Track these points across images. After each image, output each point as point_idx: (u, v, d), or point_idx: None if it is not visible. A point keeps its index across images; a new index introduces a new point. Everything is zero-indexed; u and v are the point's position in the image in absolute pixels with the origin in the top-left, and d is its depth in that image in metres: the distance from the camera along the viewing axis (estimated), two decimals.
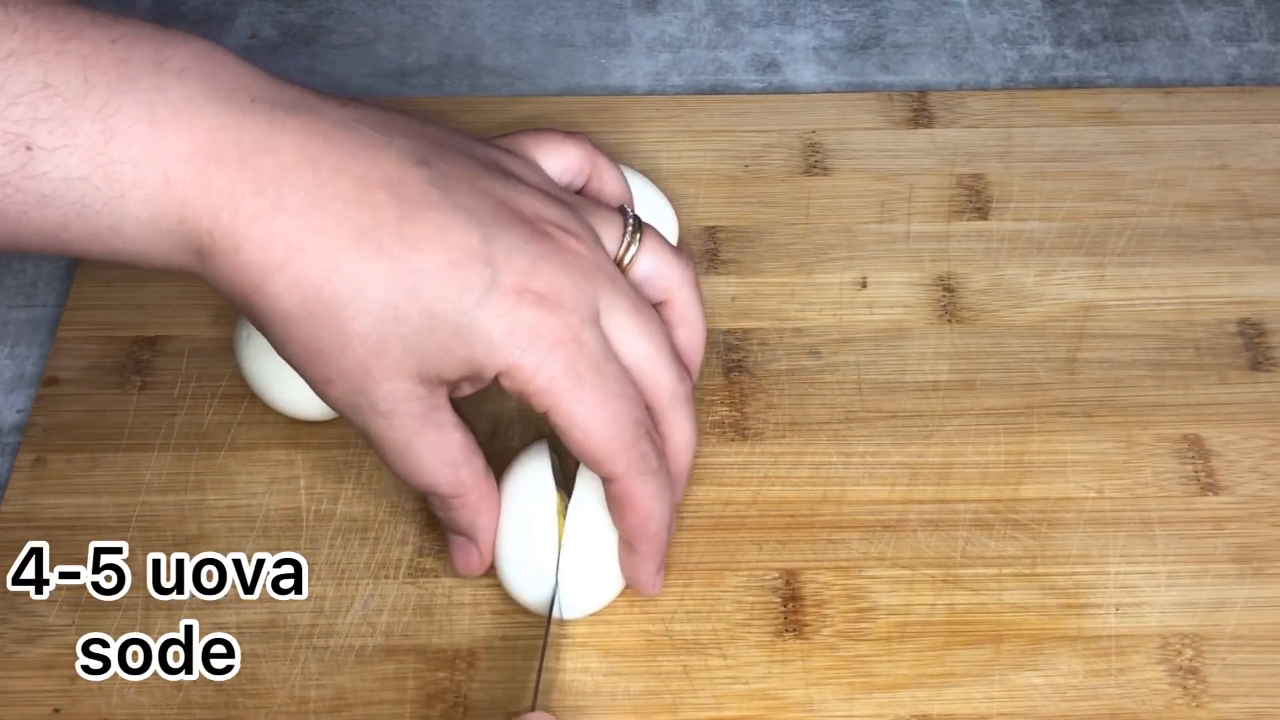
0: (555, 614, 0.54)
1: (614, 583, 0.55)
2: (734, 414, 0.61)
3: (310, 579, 0.56)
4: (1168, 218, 0.68)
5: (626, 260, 0.53)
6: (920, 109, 0.72)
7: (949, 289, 0.65)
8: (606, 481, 0.51)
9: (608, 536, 0.54)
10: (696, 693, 0.54)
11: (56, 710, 0.53)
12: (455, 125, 0.71)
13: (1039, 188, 0.69)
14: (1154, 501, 0.59)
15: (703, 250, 0.67)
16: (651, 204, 0.63)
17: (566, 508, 0.54)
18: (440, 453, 0.51)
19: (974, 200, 0.68)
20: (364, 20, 0.79)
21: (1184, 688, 0.54)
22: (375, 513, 0.58)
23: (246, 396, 0.61)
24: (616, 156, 0.70)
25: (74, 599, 0.56)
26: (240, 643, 0.55)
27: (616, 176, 0.58)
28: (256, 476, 0.59)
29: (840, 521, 0.58)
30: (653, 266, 0.54)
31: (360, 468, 0.60)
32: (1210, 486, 0.59)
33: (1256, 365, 0.63)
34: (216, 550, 0.57)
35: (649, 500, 0.52)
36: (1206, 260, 0.66)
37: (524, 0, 0.80)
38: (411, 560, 0.57)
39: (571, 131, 0.57)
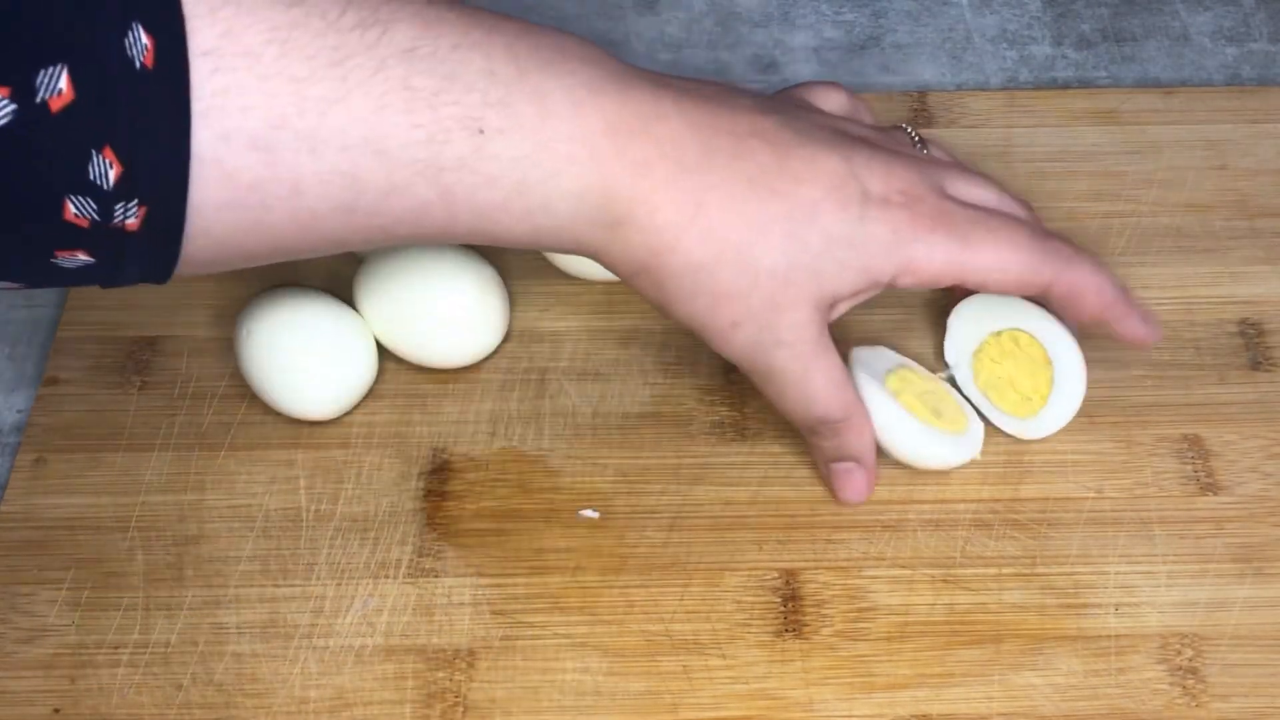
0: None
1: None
2: (734, 414, 0.61)
3: (310, 579, 0.56)
4: (1168, 218, 0.68)
5: None
6: (920, 109, 0.72)
7: (949, 289, 0.65)
8: (1045, 293, 0.56)
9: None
10: (696, 693, 0.54)
11: (56, 710, 0.53)
12: None
13: (1039, 188, 0.69)
14: (1154, 501, 0.59)
15: None
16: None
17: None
18: (832, 374, 0.55)
19: None
20: None
21: (1184, 688, 0.54)
22: (375, 513, 0.58)
23: (246, 396, 0.61)
24: None
25: (74, 599, 0.56)
26: (240, 643, 0.55)
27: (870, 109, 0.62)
28: (256, 476, 0.59)
29: (840, 521, 0.58)
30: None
31: (360, 468, 0.60)
32: (1210, 486, 0.59)
33: (1256, 365, 0.63)
34: (216, 550, 0.57)
35: (1090, 276, 0.56)
36: (1206, 260, 0.66)
37: (524, 1, 0.80)
38: (411, 560, 0.57)
39: (828, 80, 0.62)
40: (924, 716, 0.53)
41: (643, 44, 0.77)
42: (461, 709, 0.53)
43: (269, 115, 0.45)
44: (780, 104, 0.56)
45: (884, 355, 0.61)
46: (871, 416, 0.58)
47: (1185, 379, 0.62)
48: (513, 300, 0.64)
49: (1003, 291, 0.56)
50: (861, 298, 0.55)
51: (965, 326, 0.61)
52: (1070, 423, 0.61)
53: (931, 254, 0.54)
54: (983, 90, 0.74)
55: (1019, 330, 0.60)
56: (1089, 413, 0.61)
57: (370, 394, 0.62)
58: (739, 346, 0.54)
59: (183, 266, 0.47)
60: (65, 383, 0.62)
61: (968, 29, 0.78)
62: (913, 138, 0.60)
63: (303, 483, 0.59)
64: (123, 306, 0.65)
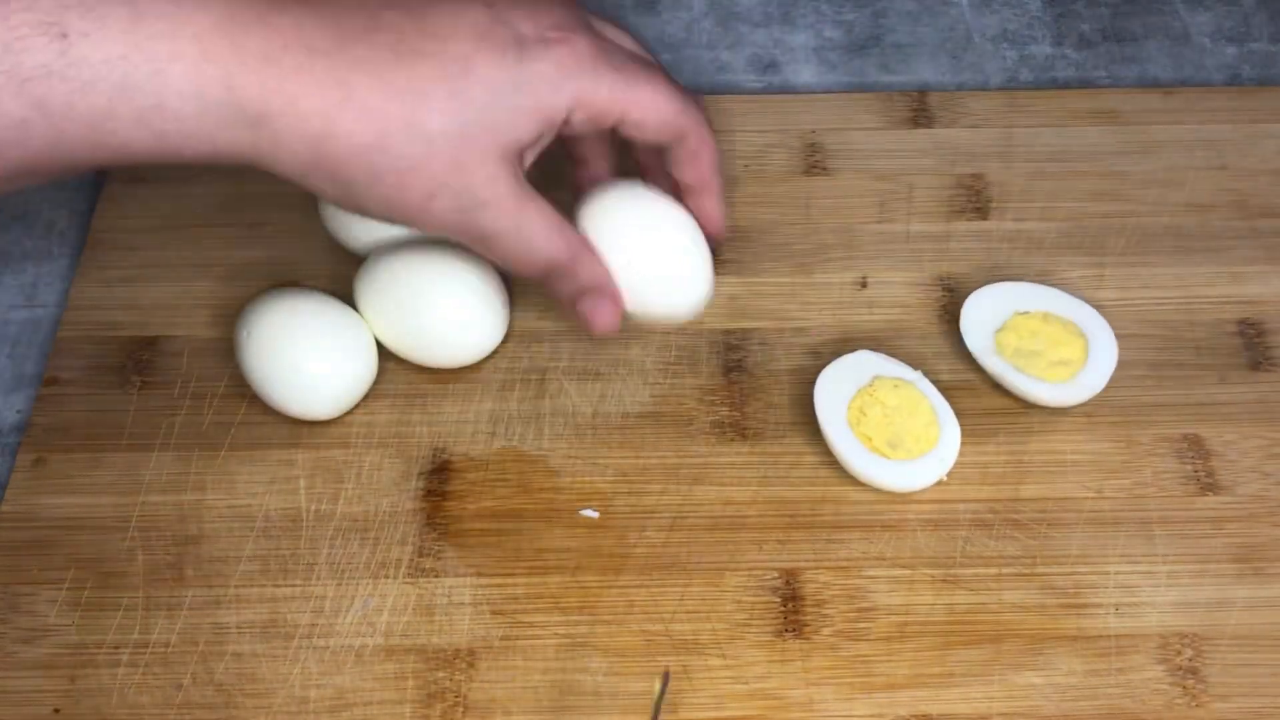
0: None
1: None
2: (734, 414, 0.61)
3: (310, 579, 0.56)
4: (1168, 218, 0.68)
5: None
6: (920, 109, 0.72)
7: (949, 289, 0.65)
8: (679, 143, 0.57)
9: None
10: (696, 693, 0.54)
11: (56, 710, 0.53)
12: None
13: (1039, 188, 0.69)
14: (1154, 501, 0.59)
15: None
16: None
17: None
18: (546, 219, 0.54)
19: (974, 200, 0.68)
20: None
21: (1184, 688, 0.54)
22: (375, 513, 0.58)
23: (246, 396, 0.61)
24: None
25: (74, 599, 0.56)
26: (240, 643, 0.55)
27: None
28: (256, 476, 0.59)
29: (840, 521, 0.58)
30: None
31: (360, 468, 0.60)
32: (1210, 486, 0.59)
33: (1256, 365, 0.63)
34: (216, 550, 0.57)
35: (712, 139, 0.58)
36: (1206, 260, 0.66)
37: None
38: (411, 560, 0.57)
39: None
40: (924, 716, 0.53)
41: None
42: (461, 709, 0.53)
43: None
44: None
45: (862, 363, 0.61)
46: (831, 443, 0.59)
47: (1185, 379, 0.62)
48: (513, 300, 0.64)
49: (651, 133, 0.56)
50: (545, 141, 0.54)
51: (986, 308, 0.62)
52: (1070, 422, 0.61)
53: (598, 87, 0.53)
54: (983, 90, 0.74)
55: (1047, 311, 0.61)
56: (1089, 413, 0.61)
57: (370, 394, 0.62)
58: (441, 218, 0.52)
59: None
60: (65, 383, 0.62)
61: (968, 29, 0.78)
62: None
63: (303, 483, 0.59)
64: (123, 306, 0.65)
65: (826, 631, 0.55)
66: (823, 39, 0.78)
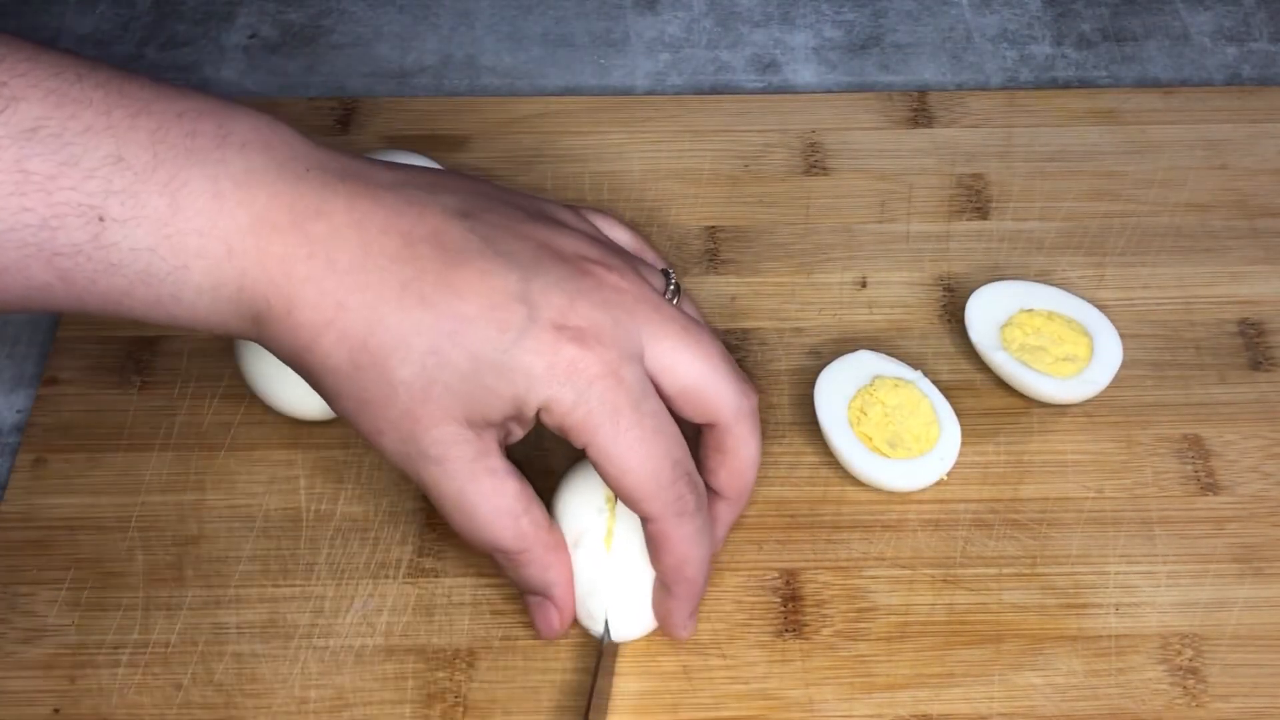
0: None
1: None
2: None
3: (310, 579, 0.56)
4: (1168, 218, 0.68)
5: None
6: (920, 109, 0.72)
7: (949, 289, 0.65)
8: (644, 521, 0.51)
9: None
10: (696, 693, 0.54)
11: (56, 710, 0.53)
12: (455, 129, 0.71)
13: (1039, 188, 0.69)
14: (1154, 501, 0.59)
15: (702, 250, 0.67)
16: None
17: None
18: (496, 501, 0.50)
19: (974, 200, 0.68)
20: (364, 20, 0.79)
21: (1184, 688, 0.54)
22: (375, 513, 0.58)
23: (246, 396, 0.61)
24: (616, 156, 0.71)
25: (74, 599, 0.56)
26: (240, 643, 0.55)
27: (660, 259, 0.58)
28: (256, 476, 0.59)
29: (840, 521, 0.58)
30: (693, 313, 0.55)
31: (360, 468, 0.60)
32: (1210, 486, 0.59)
33: (1256, 365, 0.63)
34: (216, 550, 0.57)
35: (685, 543, 0.51)
36: (1206, 260, 0.66)
37: (524, 0, 0.80)
38: (411, 560, 0.57)
39: (627, 222, 0.58)
40: (924, 716, 0.53)
41: (643, 44, 0.77)
42: (461, 709, 0.53)
43: None
44: (500, 208, 0.52)
45: (862, 363, 0.61)
46: (831, 443, 0.58)
47: (1185, 379, 0.62)
48: None
49: (611, 489, 0.51)
50: (525, 426, 0.51)
51: (991, 304, 0.62)
52: (1070, 422, 0.61)
53: (573, 409, 0.49)
54: (983, 90, 0.74)
55: (1051, 310, 0.62)
56: (1089, 413, 0.61)
57: None
58: (390, 455, 0.50)
59: None
60: (65, 383, 0.62)
61: (968, 29, 0.78)
62: (670, 284, 0.54)
63: (303, 483, 0.59)
64: None
65: (826, 631, 0.55)
66: (823, 39, 0.78)
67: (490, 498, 0.50)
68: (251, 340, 0.50)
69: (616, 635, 0.54)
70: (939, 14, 0.79)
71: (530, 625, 0.54)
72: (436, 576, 0.57)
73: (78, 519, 0.58)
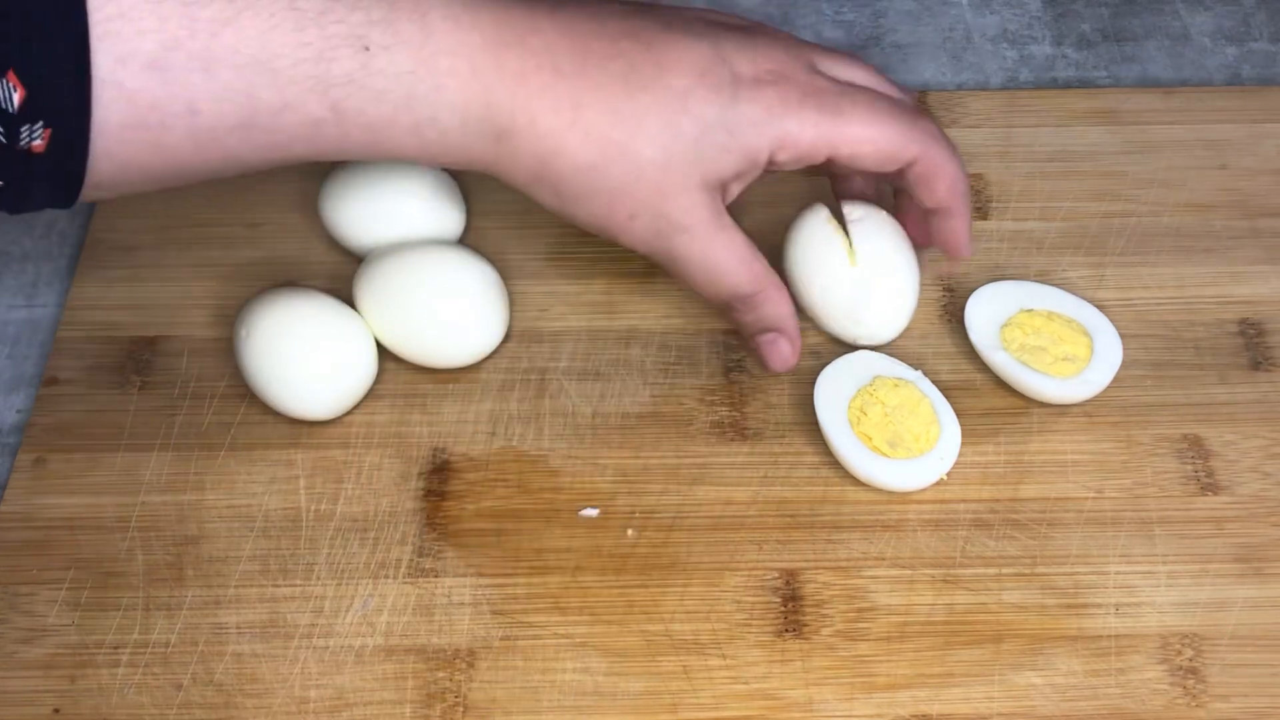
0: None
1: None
2: (734, 414, 0.61)
3: (310, 579, 0.56)
4: (1168, 218, 0.68)
5: None
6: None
7: (949, 289, 0.65)
8: (909, 167, 0.58)
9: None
10: (696, 693, 0.54)
11: (56, 710, 0.53)
12: None
13: (1039, 188, 0.69)
14: (1154, 501, 0.59)
15: None
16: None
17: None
18: (735, 251, 0.58)
19: (974, 200, 0.68)
20: None
21: (1184, 688, 0.54)
22: (375, 513, 0.58)
23: (246, 396, 0.61)
24: None
25: (74, 599, 0.56)
26: (240, 643, 0.55)
27: None
28: (256, 476, 0.59)
29: (840, 521, 0.58)
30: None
31: (360, 468, 0.60)
32: (1210, 486, 0.59)
33: (1256, 365, 0.63)
34: (216, 550, 0.57)
35: (950, 162, 0.59)
36: (1206, 260, 0.66)
37: None
38: (411, 560, 0.57)
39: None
40: (924, 716, 0.53)
41: None
42: (461, 709, 0.53)
43: (163, 38, 0.47)
44: (650, 5, 0.58)
45: (862, 363, 0.61)
46: (831, 443, 0.59)
47: (1185, 379, 0.62)
48: (513, 300, 0.64)
49: (872, 164, 0.58)
50: (749, 177, 0.57)
51: (991, 303, 0.63)
52: (1070, 422, 0.61)
53: (803, 127, 0.56)
54: (983, 90, 0.74)
55: (1051, 310, 0.62)
56: (1089, 413, 0.61)
57: (370, 394, 0.62)
58: (640, 237, 0.56)
59: (88, 189, 0.49)
60: (65, 383, 0.62)
61: (968, 29, 0.78)
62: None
63: (303, 483, 0.59)
64: (123, 306, 0.65)
65: (826, 631, 0.55)
66: (823, 39, 0.78)
67: (730, 249, 0.57)
68: (486, 168, 0.55)
69: (883, 336, 0.62)
70: (939, 14, 0.79)
71: (764, 365, 0.61)
72: (436, 576, 0.57)
73: (78, 519, 0.58)
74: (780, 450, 0.60)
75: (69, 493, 0.59)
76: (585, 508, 0.58)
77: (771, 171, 0.58)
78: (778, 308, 0.60)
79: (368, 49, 0.51)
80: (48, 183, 0.48)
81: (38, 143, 0.47)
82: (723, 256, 0.57)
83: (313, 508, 0.58)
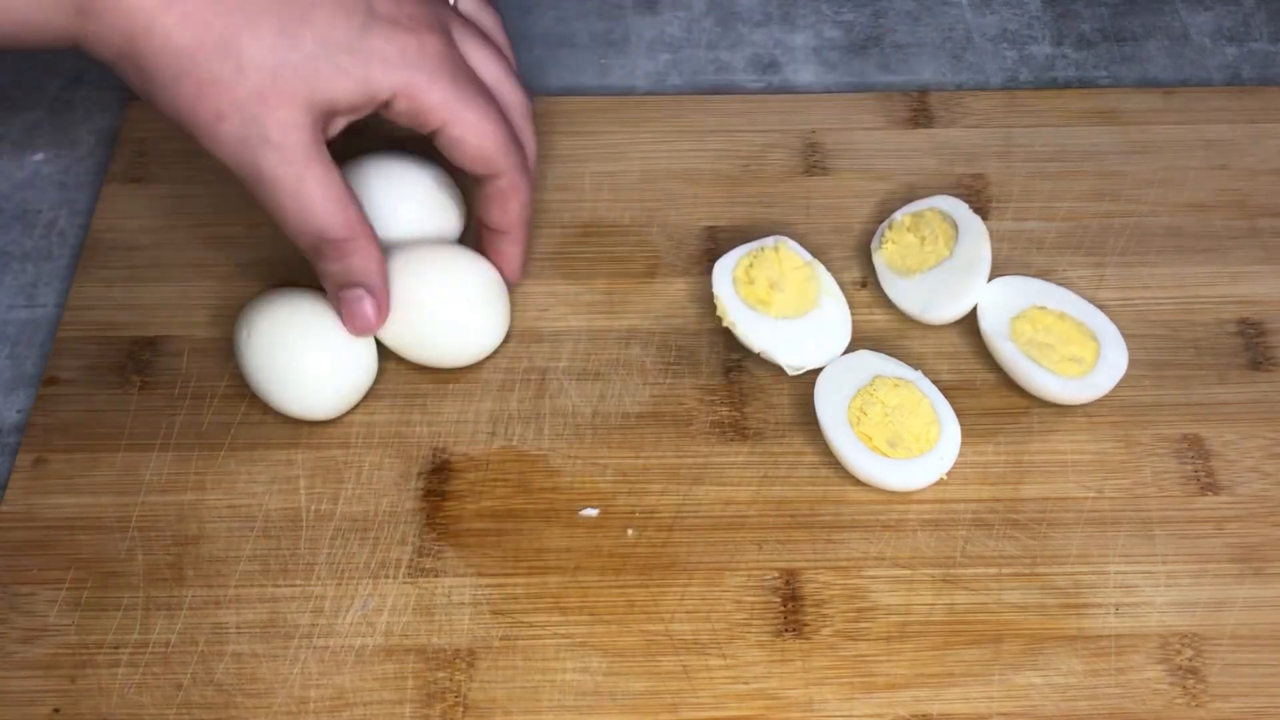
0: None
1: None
2: (734, 414, 0.61)
3: (310, 579, 0.56)
4: (1168, 218, 0.68)
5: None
6: (920, 109, 0.72)
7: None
8: (490, 179, 0.58)
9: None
10: (696, 693, 0.54)
11: (56, 710, 0.53)
12: None
13: (1039, 188, 0.69)
14: (1154, 501, 0.59)
15: (702, 250, 0.67)
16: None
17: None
18: (329, 189, 0.53)
19: (974, 200, 0.68)
20: None
21: (1184, 688, 0.54)
22: (375, 513, 0.58)
23: (246, 396, 0.61)
24: (616, 156, 0.71)
25: (74, 599, 0.56)
26: (240, 643, 0.55)
27: None
28: (256, 476, 0.59)
29: (840, 521, 0.58)
30: (472, 10, 0.61)
31: (360, 468, 0.60)
32: (1210, 486, 0.59)
33: (1256, 365, 0.63)
34: (216, 550, 0.57)
35: (525, 190, 0.59)
36: (1206, 260, 0.66)
37: (524, 0, 0.80)
38: (411, 560, 0.57)
39: None
40: (924, 716, 0.53)
41: (643, 44, 0.77)
42: (461, 709, 0.53)
43: None
44: None
45: (862, 363, 0.61)
46: (831, 443, 0.59)
47: (1185, 379, 0.62)
48: (513, 300, 0.64)
49: (467, 158, 0.57)
50: (360, 113, 0.55)
51: (1004, 295, 0.63)
52: (1070, 422, 0.61)
53: (431, 87, 0.54)
54: (983, 90, 0.74)
55: (1063, 310, 0.62)
56: (1089, 413, 0.61)
57: (370, 394, 0.62)
58: (225, 143, 0.52)
59: None
60: (65, 383, 0.62)
61: (968, 29, 0.78)
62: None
63: (303, 483, 0.59)
64: (123, 306, 0.65)
65: (826, 631, 0.55)
66: (823, 39, 0.78)
67: (324, 185, 0.53)
68: (72, 41, 0.49)
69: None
70: (939, 14, 0.79)
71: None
72: (436, 576, 0.57)
73: (78, 519, 0.58)
74: (780, 450, 0.60)
75: (69, 493, 0.59)
76: (585, 508, 0.58)
77: (379, 119, 0.56)
78: (367, 261, 0.56)
79: None
80: None
81: None
82: (315, 190, 0.53)
83: (313, 508, 0.58)
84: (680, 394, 0.62)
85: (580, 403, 0.62)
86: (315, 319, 0.60)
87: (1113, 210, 0.68)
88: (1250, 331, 0.64)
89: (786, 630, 0.55)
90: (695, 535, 0.58)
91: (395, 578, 0.57)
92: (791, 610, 0.56)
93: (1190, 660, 0.54)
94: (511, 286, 0.63)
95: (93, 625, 0.55)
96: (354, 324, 0.57)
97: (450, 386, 0.62)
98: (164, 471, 0.59)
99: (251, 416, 0.61)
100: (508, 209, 0.59)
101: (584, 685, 0.54)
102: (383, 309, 0.58)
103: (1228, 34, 0.78)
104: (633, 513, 0.58)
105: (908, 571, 0.57)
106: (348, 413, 0.61)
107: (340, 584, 0.56)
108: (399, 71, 0.53)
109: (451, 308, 0.61)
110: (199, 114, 0.51)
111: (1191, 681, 0.54)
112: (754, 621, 0.55)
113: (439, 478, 0.59)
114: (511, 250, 0.61)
